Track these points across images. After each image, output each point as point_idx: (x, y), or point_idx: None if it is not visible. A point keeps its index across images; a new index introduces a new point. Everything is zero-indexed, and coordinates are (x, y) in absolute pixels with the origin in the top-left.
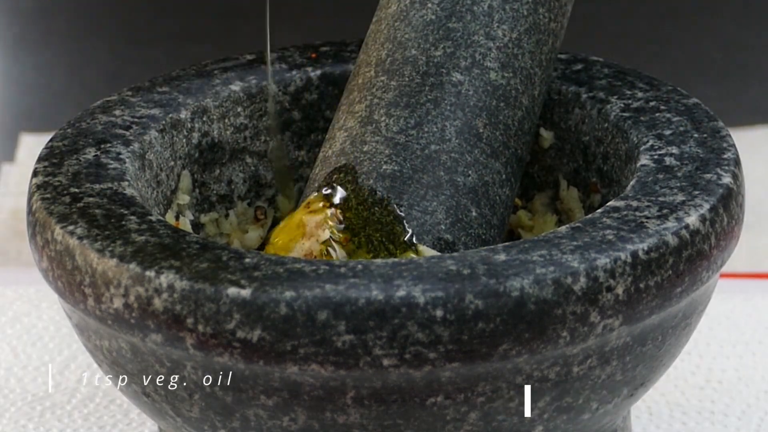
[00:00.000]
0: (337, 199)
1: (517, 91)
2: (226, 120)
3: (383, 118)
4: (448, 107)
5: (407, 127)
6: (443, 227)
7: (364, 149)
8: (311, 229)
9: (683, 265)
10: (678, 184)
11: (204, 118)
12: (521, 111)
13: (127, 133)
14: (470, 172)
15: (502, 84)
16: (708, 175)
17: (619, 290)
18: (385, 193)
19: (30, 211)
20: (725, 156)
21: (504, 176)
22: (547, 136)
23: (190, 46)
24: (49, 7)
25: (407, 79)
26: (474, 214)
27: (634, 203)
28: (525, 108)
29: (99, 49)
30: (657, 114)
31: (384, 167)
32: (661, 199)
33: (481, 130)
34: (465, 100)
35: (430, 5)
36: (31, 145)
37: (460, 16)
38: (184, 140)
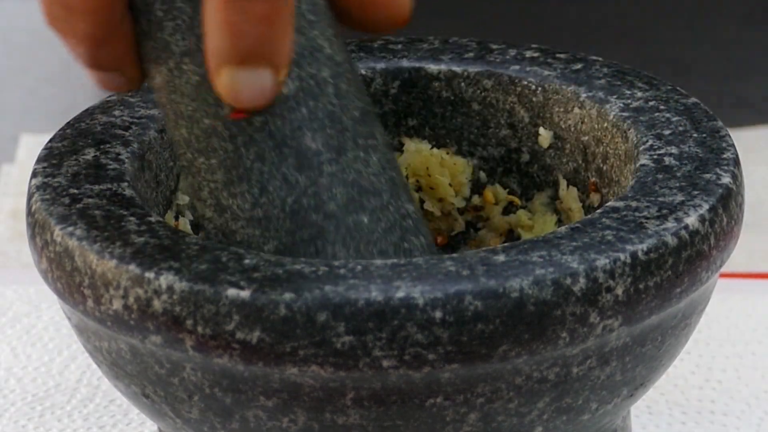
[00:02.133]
0: None
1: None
2: None
3: (230, 201)
4: (273, 154)
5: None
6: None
7: (238, 240)
8: None
9: (683, 266)
10: (677, 185)
11: None
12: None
13: (127, 134)
14: (337, 192)
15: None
16: (707, 175)
17: (619, 291)
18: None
19: (29, 212)
20: (724, 156)
21: (371, 157)
22: (546, 135)
23: None
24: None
25: (221, 152)
26: (365, 220)
27: (634, 203)
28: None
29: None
30: (656, 114)
31: (266, 248)
32: (660, 199)
33: (316, 147)
34: (281, 138)
35: (185, 67)
36: (31, 145)
37: None
38: None
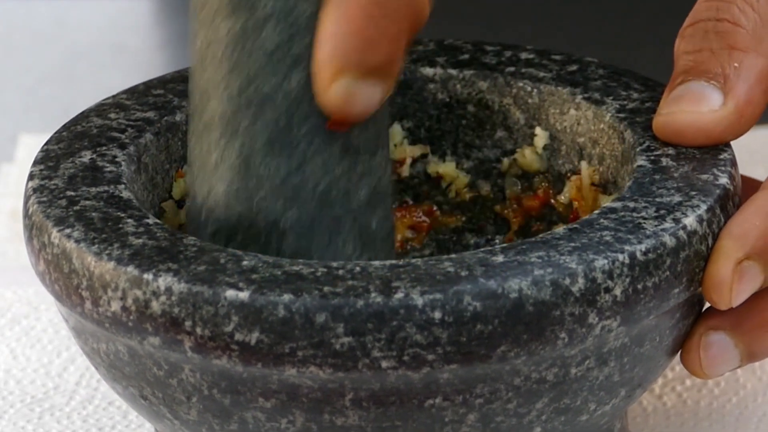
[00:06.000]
0: None
1: None
2: None
3: (262, 168)
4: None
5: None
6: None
7: (252, 208)
8: None
9: (681, 266)
10: (675, 185)
11: None
12: None
13: (123, 136)
14: (362, 192)
15: None
16: (705, 176)
17: (617, 291)
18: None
19: (26, 215)
20: (721, 156)
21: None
22: (542, 135)
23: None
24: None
25: (272, 120)
26: (374, 226)
27: (632, 204)
28: None
29: (98, 50)
30: (653, 115)
31: (282, 219)
32: (658, 199)
33: (357, 143)
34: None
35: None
36: (31, 146)
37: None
38: (179, 143)
